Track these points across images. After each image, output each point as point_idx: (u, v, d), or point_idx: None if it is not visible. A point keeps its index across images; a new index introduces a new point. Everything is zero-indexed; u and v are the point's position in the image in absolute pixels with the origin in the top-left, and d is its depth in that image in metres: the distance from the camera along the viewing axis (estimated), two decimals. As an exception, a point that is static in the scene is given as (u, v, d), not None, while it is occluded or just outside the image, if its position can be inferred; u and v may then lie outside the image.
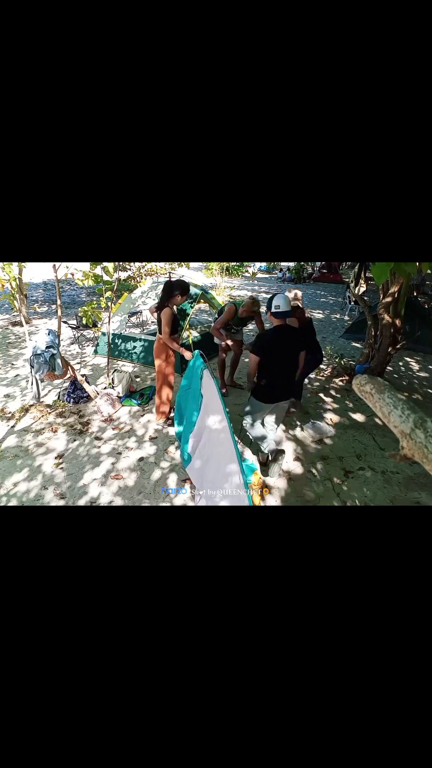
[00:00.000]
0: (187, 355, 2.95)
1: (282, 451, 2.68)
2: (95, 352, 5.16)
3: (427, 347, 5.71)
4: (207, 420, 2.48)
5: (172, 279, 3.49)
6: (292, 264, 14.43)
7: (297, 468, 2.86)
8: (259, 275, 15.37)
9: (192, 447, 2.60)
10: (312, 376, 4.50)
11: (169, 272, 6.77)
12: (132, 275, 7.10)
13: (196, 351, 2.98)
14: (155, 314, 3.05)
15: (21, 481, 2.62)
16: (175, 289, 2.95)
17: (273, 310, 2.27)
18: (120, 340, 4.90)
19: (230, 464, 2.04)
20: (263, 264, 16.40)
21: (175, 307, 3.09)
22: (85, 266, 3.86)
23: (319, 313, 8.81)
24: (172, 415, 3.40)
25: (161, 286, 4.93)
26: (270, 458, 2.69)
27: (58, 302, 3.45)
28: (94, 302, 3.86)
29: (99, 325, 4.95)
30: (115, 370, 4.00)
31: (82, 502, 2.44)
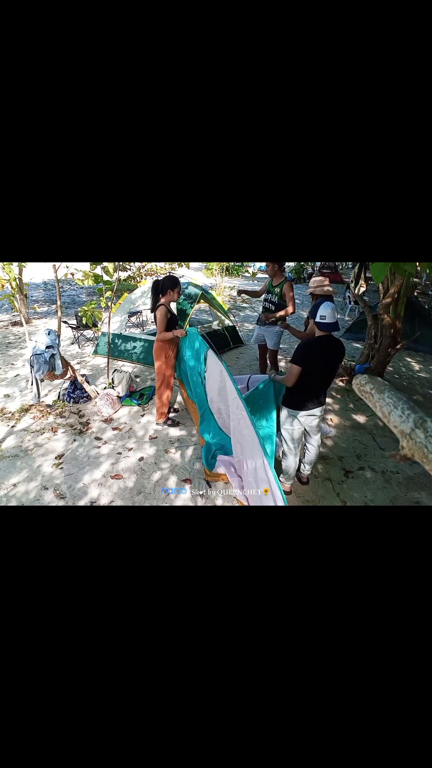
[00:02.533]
0: (180, 332, 3.01)
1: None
2: (95, 352, 5.15)
3: (427, 347, 5.71)
4: (223, 405, 2.51)
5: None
6: (292, 264, 14.42)
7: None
8: (259, 275, 15.37)
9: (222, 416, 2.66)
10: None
11: (169, 272, 6.78)
12: (132, 275, 7.10)
13: (193, 328, 3.04)
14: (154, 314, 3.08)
15: (21, 481, 2.62)
16: (164, 287, 2.97)
17: (318, 320, 2.15)
18: (120, 340, 4.90)
19: (255, 459, 2.05)
20: (263, 264, 16.40)
21: (173, 305, 3.10)
22: (85, 266, 3.86)
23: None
24: (171, 415, 3.41)
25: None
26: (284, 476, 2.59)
27: (58, 302, 3.45)
28: (94, 302, 3.86)
29: (99, 325, 4.95)
30: (115, 370, 4.00)
31: (82, 503, 2.44)
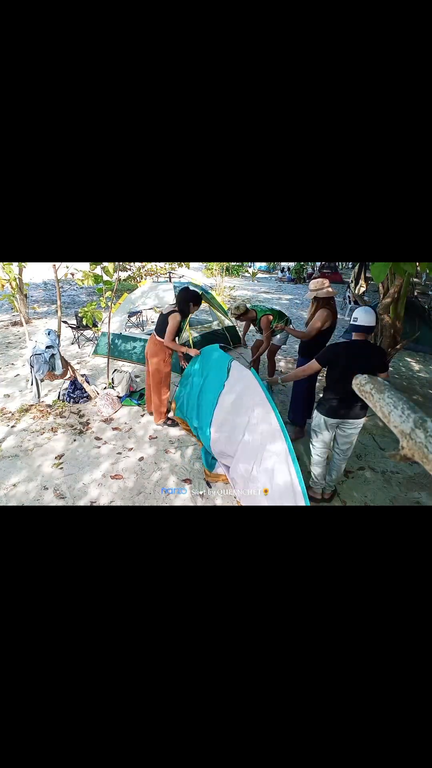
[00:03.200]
0: (193, 352, 3.12)
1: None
2: (95, 352, 5.15)
3: (427, 347, 5.70)
4: (234, 414, 2.44)
5: (173, 280, 3.49)
6: (292, 264, 14.42)
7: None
8: (259, 275, 15.37)
9: (220, 444, 2.56)
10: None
11: (169, 272, 6.77)
12: (132, 275, 7.09)
13: (215, 345, 3.03)
14: (159, 312, 3.09)
15: (21, 481, 2.62)
16: (187, 300, 2.99)
17: (351, 321, 2.13)
18: (120, 341, 4.90)
19: (279, 464, 1.94)
20: (263, 264, 16.40)
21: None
22: (85, 266, 3.86)
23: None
24: (171, 415, 3.41)
25: (161, 287, 4.93)
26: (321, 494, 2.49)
27: (58, 302, 3.45)
28: (94, 302, 3.86)
29: (99, 325, 4.95)
30: (115, 370, 4.00)
31: (82, 503, 2.44)
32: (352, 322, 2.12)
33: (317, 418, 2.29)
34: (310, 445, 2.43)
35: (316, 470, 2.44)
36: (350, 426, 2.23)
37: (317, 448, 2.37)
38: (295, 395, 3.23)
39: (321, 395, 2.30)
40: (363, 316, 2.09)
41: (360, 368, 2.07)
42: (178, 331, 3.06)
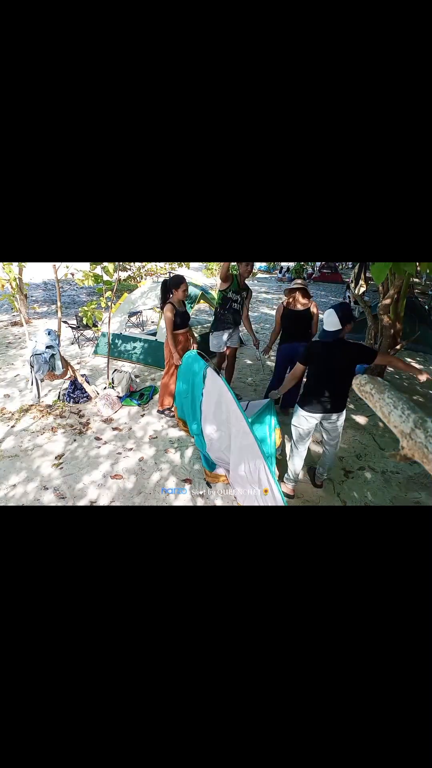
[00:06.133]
0: (176, 359, 3.11)
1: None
2: (95, 352, 5.15)
3: (427, 347, 5.70)
4: (217, 421, 2.50)
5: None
6: (292, 264, 14.42)
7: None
8: (259, 275, 15.38)
9: (214, 450, 2.65)
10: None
11: (169, 272, 6.77)
12: (132, 275, 7.10)
13: (193, 351, 2.99)
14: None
15: (20, 481, 2.62)
16: (170, 286, 3.08)
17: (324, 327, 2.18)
18: (120, 341, 4.90)
19: (255, 460, 2.09)
20: (263, 264, 16.41)
21: (179, 303, 3.14)
22: (85, 266, 3.86)
23: (319, 313, 8.79)
24: (173, 407, 3.39)
25: (161, 287, 4.94)
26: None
27: (58, 302, 3.45)
28: (94, 302, 3.86)
29: (99, 326, 4.95)
30: (115, 370, 4.00)
31: (82, 503, 2.44)
32: (324, 328, 2.15)
33: (298, 413, 2.36)
34: (289, 440, 2.52)
35: (294, 465, 2.50)
36: (332, 419, 2.33)
37: (296, 439, 2.44)
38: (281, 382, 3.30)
39: (301, 392, 2.37)
40: (327, 320, 2.12)
41: (338, 362, 2.18)
42: (185, 323, 3.18)
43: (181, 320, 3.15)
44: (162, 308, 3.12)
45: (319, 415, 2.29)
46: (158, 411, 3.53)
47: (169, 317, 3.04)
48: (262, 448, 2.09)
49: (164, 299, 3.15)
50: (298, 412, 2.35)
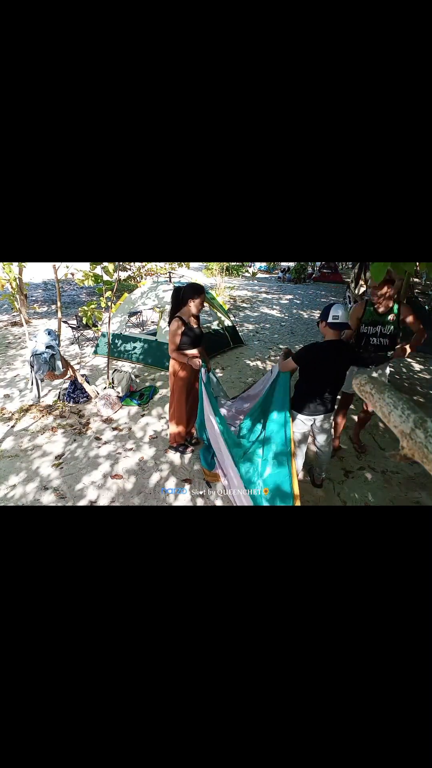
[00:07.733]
0: (196, 363, 2.45)
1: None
2: (95, 352, 5.15)
3: (428, 347, 5.70)
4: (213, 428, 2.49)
5: (173, 280, 3.35)
6: (292, 264, 14.43)
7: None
8: (259, 275, 15.38)
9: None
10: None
11: (169, 272, 6.77)
12: (132, 275, 7.10)
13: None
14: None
15: (20, 481, 2.62)
16: (184, 296, 2.46)
17: (330, 320, 2.05)
18: (120, 341, 4.90)
19: (229, 467, 2.15)
20: (263, 264, 16.42)
21: (191, 319, 2.54)
22: (85, 266, 3.86)
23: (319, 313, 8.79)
24: (192, 430, 2.96)
25: (161, 287, 4.93)
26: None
27: (58, 302, 3.45)
28: (94, 302, 3.86)
29: (99, 326, 4.95)
30: (115, 370, 3.99)
31: (82, 503, 2.44)
32: (332, 320, 2.07)
33: (296, 418, 2.36)
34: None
35: (296, 464, 2.49)
36: (322, 418, 2.34)
37: (296, 446, 2.43)
38: None
39: (294, 395, 2.36)
40: (343, 314, 2.09)
41: (332, 366, 2.21)
42: (197, 343, 2.57)
43: (189, 341, 2.50)
44: (170, 319, 2.53)
45: (320, 417, 2.31)
46: (170, 447, 3.00)
47: (172, 330, 2.44)
48: (232, 450, 2.15)
49: (174, 310, 2.52)
50: (295, 417, 2.36)
